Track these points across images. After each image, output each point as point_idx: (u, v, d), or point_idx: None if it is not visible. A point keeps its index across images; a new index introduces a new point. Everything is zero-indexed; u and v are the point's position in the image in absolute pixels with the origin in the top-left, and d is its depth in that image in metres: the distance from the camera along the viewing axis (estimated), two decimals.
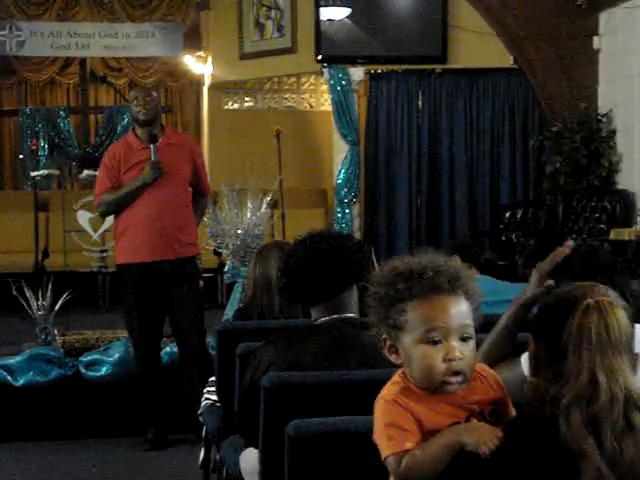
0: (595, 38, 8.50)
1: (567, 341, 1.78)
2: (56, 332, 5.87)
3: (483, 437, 1.77)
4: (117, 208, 5.27)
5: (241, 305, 5.51)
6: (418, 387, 1.88)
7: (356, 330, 2.81)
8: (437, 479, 1.82)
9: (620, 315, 1.79)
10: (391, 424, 1.86)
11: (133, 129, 5.35)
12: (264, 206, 6.12)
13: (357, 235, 9.01)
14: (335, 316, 2.85)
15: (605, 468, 1.70)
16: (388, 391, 1.91)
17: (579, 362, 1.75)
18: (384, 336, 1.91)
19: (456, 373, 1.83)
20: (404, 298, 1.86)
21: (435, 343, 1.83)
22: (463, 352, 1.83)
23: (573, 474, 1.72)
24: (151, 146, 5.15)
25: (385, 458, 1.86)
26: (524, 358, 2.32)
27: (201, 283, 5.70)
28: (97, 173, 5.47)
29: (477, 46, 8.89)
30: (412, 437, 1.84)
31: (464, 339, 1.84)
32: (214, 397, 3.99)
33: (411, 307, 1.86)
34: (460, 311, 1.86)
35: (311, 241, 2.88)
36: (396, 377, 1.93)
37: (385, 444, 1.86)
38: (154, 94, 5.39)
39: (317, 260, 2.82)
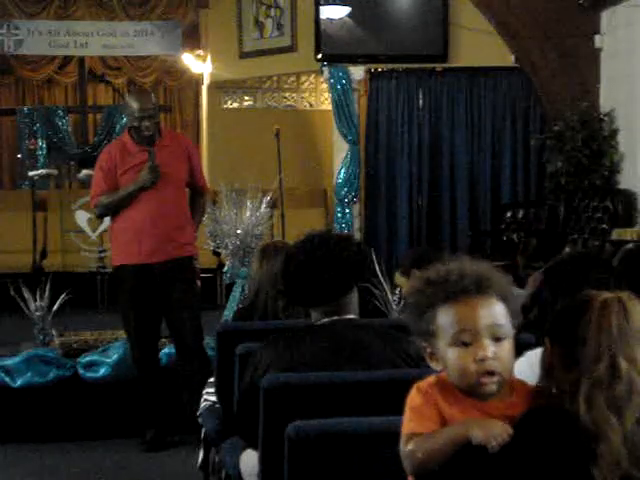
0: (597, 37, 8.47)
1: (585, 332, 1.78)
2: (54, 333, 5.85)
3: (493, 432, 1.78)
4: (114, 210, 5.26)
5: (241, 305, 5.49)
6: (457, 388, 1.88)
7: (356, 331, 2.83)
8: (451, 472, 1.82)
9: (639, 308, 1.81)
10: (414, 409, 1.89)
11: (129, 129, 5.30)
12: (264, 206, 6.10)
13: (357, 235, 8.99)
14: (335, 317, 2.86)
15: (624, 451, 1.71)
16: (425, 381, 1.93)
17: (599, 348, 1.76)
18: (424, 344, 1.92)
19: (490, 373, 1.82)
20: (433, 304, 1.88)
21: (466, 345, 1.83)
22: (496, 352, 1.82)
23: (590, 460, 1.72)
24: (148, 150, 5.12)
25: (401, 438, 1.90)
26: (519, 363, 2.32)
27: (198, 283, 5.68)
28: (93, 173, 5.45)
29: (478, 45, 8.86)
30: (430, 425, 1.85)
31: (497, 339, 1.84)
32: (213, 398, 3.98)
33: (440, 312, 1.87)
34: (489, 311, 1.85)
35: (311, 245, 2.87)
36: (440, 374, 1.94)
37: (404, 425, 1.90)
38: (155, 101, 5.34)
39: (318, 265, 2.81)
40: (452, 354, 1.85)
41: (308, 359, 2.75)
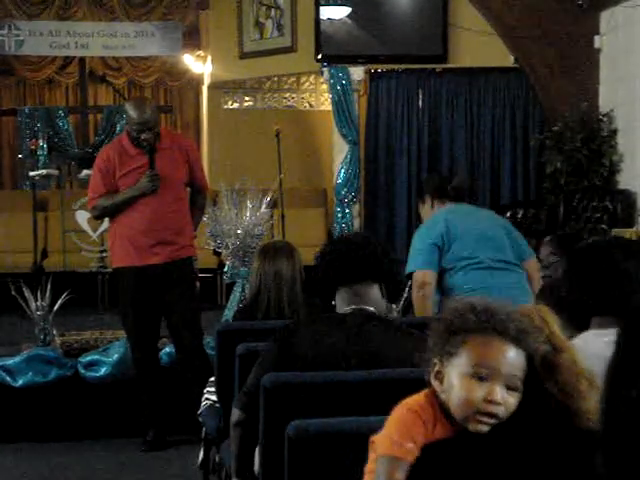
0: (596, 37, 8.48)
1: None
2: (55, 332, 5.86)
3: None
4: (112, 213, 5.28)
5: (241, 305, 5.50)
6: (445, 412, 1.89)
7: (376, 329, 2.90)
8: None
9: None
10: (402, 431, 1.88)
11: (127, 132, 5.30)
12: (264, 206, 6.11)
13: None
14: (354, 306, 2.95)
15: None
16: (414, 400, 1.93)
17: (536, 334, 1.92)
18: (435, 361, 1.92)
19: (491, 416, 1.84)
20: (469, 330, 1.88)
21: (481, 380, 1.84)
22: (505, 400, 1.84)
23: (570, 419, 1.86)
24: (149, 157, 5.12)
25: (379, 456, 1.88)
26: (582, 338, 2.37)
27: (197, 284, 5.70)
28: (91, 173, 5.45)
29: (478, 46, 8.87)
30: (413, 449, 1.85)
31: (510, 388, 1.86)
32: (214, 397, 3.99)
33: (472, 339, 1.88)
34: (515, 361, 1.87)
35: (345, 236, 3.26)
36: (427, 391, 1.94)
37: (386, 444, 1.88)
38: (154, 111, 5.32)
39: (352, 245, 3.04)
40: (464, 382, 1.85)
41: (323, 351, 2.83)
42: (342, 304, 2.98)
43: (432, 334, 1.94)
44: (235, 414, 3.05)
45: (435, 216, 4.74)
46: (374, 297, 2.99)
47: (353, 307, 2.95)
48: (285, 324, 3.02)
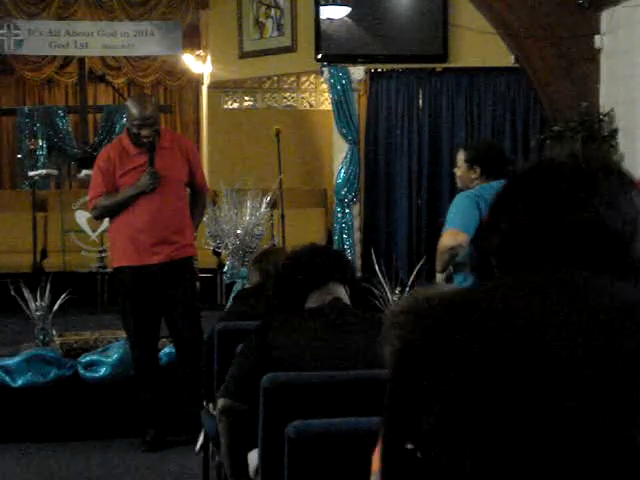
0: (596, 37, 8.47)
1: None
2: (54, 333, 5.86)
3: None
4: (112, 212, 5.27)
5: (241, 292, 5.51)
6: None
7: (342, 310, 2.98)
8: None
9: None
10: None
11: (127, 130, 5.29)
12: (264, 206, 6.11)
13: (357, 235, 9.02)
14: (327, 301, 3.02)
15: None
16: None
17: None
18: None
19: None
20: None
21: None
22: None
23: None
24: (149, 155, 5.11)
25: (373, 472, 1.86)
26: None
27: (197, 284, 5.69)
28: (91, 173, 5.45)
29: (478, 45, 8.86)
30: None
31: None
32: None
33: None
34: None
35: (299, 250, 3.23)
36: None
37: (377, 459, 1.85)
38: (155, 107, 5.30)
39: (304, 253, 3.15)
40: None
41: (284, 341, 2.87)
42: (315, 304, 3.04)
43: None
44: (220, 402, 3.07)
45: (482, 195, 4.74)
46: (344, 296, 3.08)
47: (327, 302, 3.02)
48: (265, 318, 3.09)
